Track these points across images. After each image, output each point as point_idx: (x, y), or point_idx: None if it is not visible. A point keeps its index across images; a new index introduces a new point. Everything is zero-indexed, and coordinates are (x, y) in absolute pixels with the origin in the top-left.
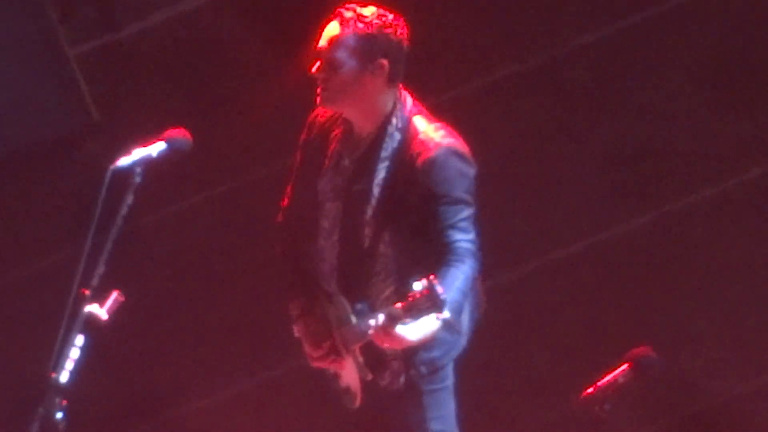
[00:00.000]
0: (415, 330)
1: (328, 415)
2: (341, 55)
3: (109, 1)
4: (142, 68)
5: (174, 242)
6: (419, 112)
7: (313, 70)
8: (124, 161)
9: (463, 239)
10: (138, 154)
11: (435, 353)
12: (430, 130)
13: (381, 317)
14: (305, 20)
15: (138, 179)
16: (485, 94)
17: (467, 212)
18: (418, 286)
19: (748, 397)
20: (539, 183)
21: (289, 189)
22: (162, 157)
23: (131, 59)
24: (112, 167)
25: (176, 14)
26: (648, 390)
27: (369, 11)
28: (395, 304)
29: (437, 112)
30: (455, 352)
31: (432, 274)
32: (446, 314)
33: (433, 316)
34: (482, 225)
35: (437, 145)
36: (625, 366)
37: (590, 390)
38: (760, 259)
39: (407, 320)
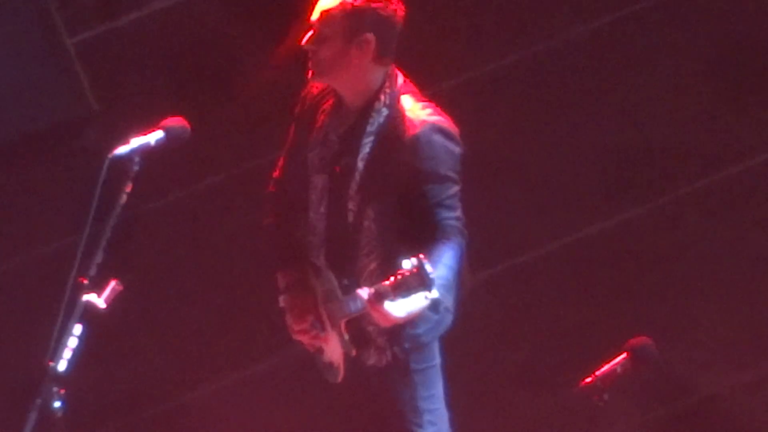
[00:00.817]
0: (402, 307)
1: (322, 400)
2: (329, 28)
3: None
4: (140, 57)
5: (170, 231)
6: (409, 91)
7: (303, 41)
8: (122, 150)
9: (450, 216)
10: (136, 142)
11: (419, 330)
12: (416, 108)
13: (368, 293)
14: (303, 9)
15: (136, 168)
16: (474, 86)
17: (453, 189)
18: (407, 264)
19: (743, 389)
20: (532, 175)
21: (281, 160)
22: (160, 146)
23: (129, 48)
24: (110, 156)
25: (174, 3)
26: (642, 382)
27: None
28: (383, 281)
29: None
30: (440, 330)
31: (421, 252)
32: (435, 293)
33: (421, 294)
34: (475, 216)
35: (423, 122)
36: (623, 355)
37: (589, 379)
38: (751, 251)
39: (395, 298)
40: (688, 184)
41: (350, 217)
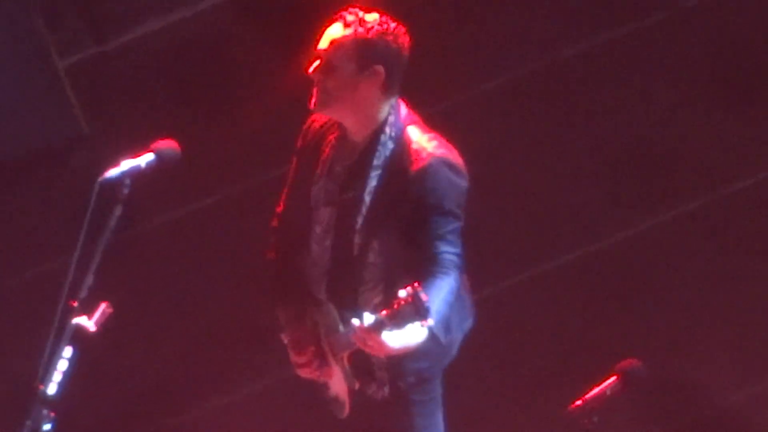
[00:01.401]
0: (398, 338)
1: (320, 424)
2: (338, 57)
3: (98, 13)
4: (130, 80)
5: (163, 252)
6: (414, 122)
7: (310, 69)
8: (112, 172)
9: (449, 251)
10: (126, 165)
11: (423, 364)
12: (423, 140)
13: (364, 322)
14: (294, 31)
15: (126, 190)
16: (476, 103)
17: (455, 225)
18: (402, 293)
19: (740, 407)
20: (526, 194)
21: (284, 194)
22: (151, 169)
23: (120, 71)
24: (100, 179)
25: (164, 26)
26: (639, 399)
27: (372, 17)
28: (380, 311)
29: (428, 122)
30: (443, 364)
31: (417, 281)
32: (430, 322)
33: (417, 324)
34: (472, 234)
35: (430, 155)
36: (613, 378)
37: (578, 402)
38: (744, 272)
39: (392, 327)
40: (683, 204)
41: (355, 251)
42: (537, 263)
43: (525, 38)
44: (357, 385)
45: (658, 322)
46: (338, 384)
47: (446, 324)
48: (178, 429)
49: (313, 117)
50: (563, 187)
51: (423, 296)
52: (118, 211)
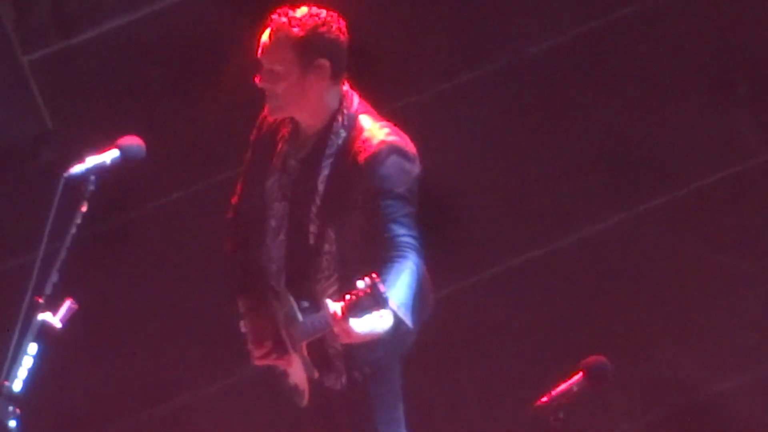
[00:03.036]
0: (366, 325)
1: (286, 418)
2: (280, 63)
3: (63, 8)
4: (95, 75)
5: (137, 247)
6: (366, 111)
7: (257, 81)
8: (77, 169)
9: (406, 234)
10: (91, 161)
11: (378, 353)
12: (375, 128)
13: (332, 311)
14: (258, 24)
15: (92, 187)
16: (452, 96)
17: (408, 209)
18: (360, 284)
19: (713, 401)
20: (495, 190)
21: (239, 187)
22: (116, 165)
23: (85, 66)
24: (65, 175)
25: (129, 21)
26: (608, 394)
27: (301, 13)
28: (338, 301)
29: (398, 116)
30: (399, 352)
31: (375, 272)
32: (391, 310)
33: (376, 313)
34: (439, 231)
35: (381, 142)
36: (579, 375)
37: (544, 399)
38: (719, 264)
39: (350, 317)
40: (655, 198)
41: (311, 240)
42: (505, 259)
43: (502, 31)
44: (316, 374)
45: (628, 317)
46: (297, 373)
47: (411, 308)
48: (150, 423)
49: (266, 110)
50: (533, 182)
51: (381, 287)
52: (83, 207)
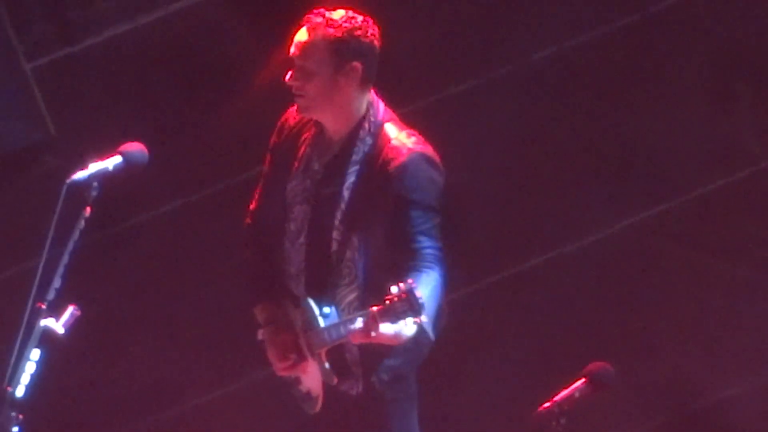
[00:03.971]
0: (393, 329)
1: (296, 424)
2: (314, 61)
3: (66, 16)
4: (98, 82)
5: (147, 251)
6: (391, 119)
7: (287, 79)
8: (80, 175)
9: (432, 246)
10: (94, 168)
11: (397, 361)
12: (402, 137)
13: (359, 321)
14: (264, 32)
15: (95, 193)
16: (456, 103)
17: (436, 220)
18: (395, 289)
19: (715, 408)
20: (498, 197)
21: (257, 192)
22: (119, 171)
23: (87, 73)
24: (68, 181)
25: (132, 28)
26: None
27: (338, 15)
28: (371, 306)
29: (414, 119)
30: (419, 360)
31: (409, 278)
32: (424, 318)
33: (410, 320)
34: (447, 237)
35: (410, 150)
36: (582, 380)
37: (547, 404)
38: (724, 270)
39: (383, 323)
40: (659, 204)
41: (334, 246)
42: (507, 265)
43: (505, 38)
44: (335, 381)
45: (631, 323)
46: (311, 380)
47: (434, 320)
48: (154, 428)
49: (287, 114)
50: (536, 188)
51: (418, 292)
52: (86, 213)
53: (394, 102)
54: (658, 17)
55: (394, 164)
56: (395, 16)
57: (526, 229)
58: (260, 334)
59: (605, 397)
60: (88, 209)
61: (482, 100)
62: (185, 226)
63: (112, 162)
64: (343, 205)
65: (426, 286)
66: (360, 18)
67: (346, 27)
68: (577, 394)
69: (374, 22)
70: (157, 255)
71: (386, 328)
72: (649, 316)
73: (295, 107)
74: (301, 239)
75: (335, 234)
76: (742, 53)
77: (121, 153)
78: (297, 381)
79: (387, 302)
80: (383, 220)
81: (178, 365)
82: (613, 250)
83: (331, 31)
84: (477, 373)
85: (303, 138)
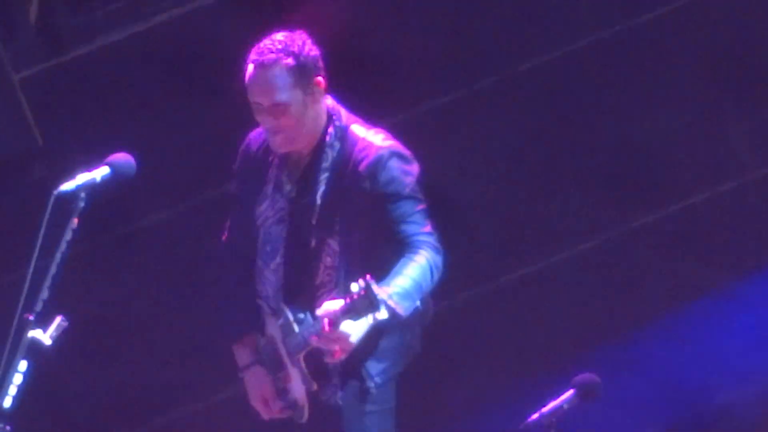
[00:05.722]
0: (356, 329)
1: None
2: (284, 95)
3: (54, 26)
4: (85, 92)
5: (142, 257)
6: (355, 121)
7: (263, 124)
8: (67, 186)
9: (417, 231)
10: (82, 178)
11: (385, 363)
12: (369, 135)
13: (320, 322)
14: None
15: (82, 204)
16: (451, 109)
17: (418, 207)
18: (354, 287)
19: (708, 416)
20: (492, 204)
21: (229, 221)
22: (106, 182)
23: (75, 83)
24: (56, 191)
25: (119, 38)
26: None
27: (280, 43)
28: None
29: (399, 128)
30: (407, 360)
31: (368, 274)
32: (384, 313)
33: (369, 316)
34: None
35: (378, 147)
36: (570, 392)
37: (535, 416)
38: (717, 278)
39: (345, 321)
40: (657, 210)
41: (312, 254)
42: (499, 273)
43: (512, 39)
44: (315, 387)
45: (623, 331)
46: (297, 388)
47: (409, 298)
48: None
49: (248, 139)
50: (530, 196)
51: (375, 288)
52: (73, 224)
53: (389, 110)
54: (649, 25)
55: (364, 163)
56: (387, 24)
57: (519, 236)
58: (242, 378)
59: (595, 408)
60: (76, 220)
61: (476, 107)
62: (180, 233)
63: (100, 173)
64: (317, 211)
65: (405, 269)
66: (296, 34)
67: (296, 50)
68: (565, 406)
69: (305, 32)
70: (153, 261)
71: (348, 326)
72: (642, 323)
73: (254, 133)
74: (278, 259)
75: (312, 241)
76: (739, 61)
77: (108, 164)
78: (285, 391)
79: (347, 300)
80: (362, 222)
81: (176, 371)
82: (606, 257)
83: (286, 60)
84: (464, 382)
85: (269, 160)
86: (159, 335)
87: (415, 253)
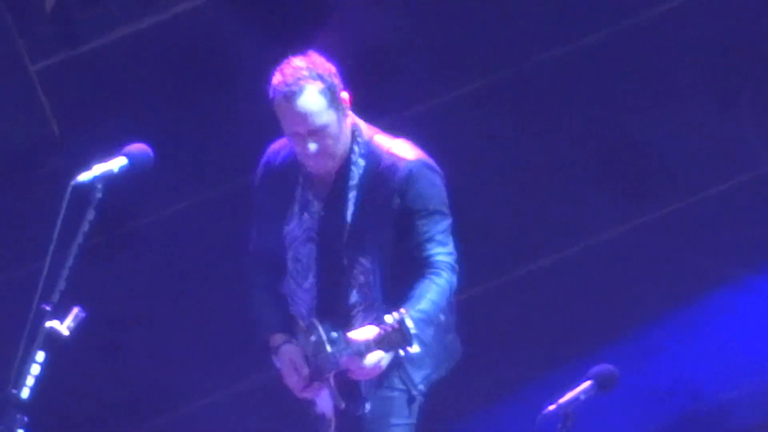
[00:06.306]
0: (382, 358)
1: (300, 426)
2: (325, 117)
3: (70, 17)
4: (102, 84)
5: (153, 252)
6: (376, 132)
7: (305, 150)
8: (85, 176)
9: (441, 252)
10: (99, 169)
11: (427, 369)
12: (394, 147)
13: (352, 347)
14: (272, 31)
15: (99, 195)
16: (457, 105)
17: (444, 223)
18: (389, 319)
19: (717, 410)
20: (499, 200)
21: (254, 233)
22: (124, 173)
23: (92, 75)
24: (73, 182)
25: (136, 30)
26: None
27: (302, 68)
28: (367, 336)
29: (404, 125)
30: (449, 365)
31: (402, 308)
32: (416, 349)
33: (400, 350)
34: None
35: (407, 162)
36: (587, 383)
37: (552, 407)
38: (726, 273)
39: (377, 352)
40: (659, 208)
41: (344, 274)
42: (509, 268)
43: (509, 39)
44: (343, 405)
45: (633, 325)
46: (325, 402)
47: (430, 324)
48: (159, 429)
49: (269, 155)
50: (538, 191)
51: (409, 323)
52: (90, 215)
53: (392, 107)
54: (659, 20)
55: (393, 178)
56: (395, 22)
57: (528, 231)
58: (276, 361)
59: (610, 400)
60: (93, 211)
61: (482, 103)
62: (188, 229)
63: (117, 163)
64: (348, 229)
65: (428, 293)
66: (312, 56)
67: (320, 71)
68: (582, 397)
69: (313, 52)
70: (160, 257)
71: (378, 356)
72: (653, 318)
73: (274, 149)
74: (311, 278)
75: (345, 261)
76: (745, 56)
77: (126, 154)
78: (312, 404)
79: (381, 332)
80: (393, 236)
81: (181, 367)
82: (615, 252)
83: (315, 83)
84: (480, 376)
85: (293, 179)
86: (163, 332)
87: (437, 275)
